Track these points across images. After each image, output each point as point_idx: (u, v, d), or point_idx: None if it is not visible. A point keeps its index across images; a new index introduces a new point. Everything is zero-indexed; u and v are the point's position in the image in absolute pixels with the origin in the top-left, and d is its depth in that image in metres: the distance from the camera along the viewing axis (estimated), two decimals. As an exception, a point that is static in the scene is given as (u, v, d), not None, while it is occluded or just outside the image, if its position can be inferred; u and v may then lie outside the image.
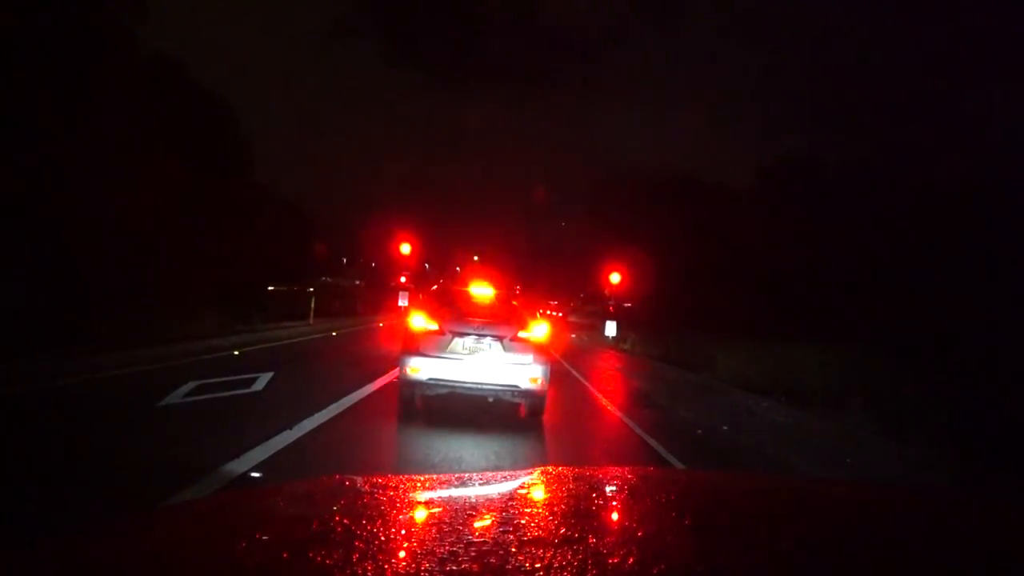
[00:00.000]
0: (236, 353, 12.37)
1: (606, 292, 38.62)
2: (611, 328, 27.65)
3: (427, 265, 48.14)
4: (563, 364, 17.52)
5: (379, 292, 43.81)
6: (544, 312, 21.16)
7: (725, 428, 8.52)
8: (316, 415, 6.83)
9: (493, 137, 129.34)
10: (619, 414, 9.28)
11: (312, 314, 20.67)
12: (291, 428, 6.03)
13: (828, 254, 19.93)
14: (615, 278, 28.69)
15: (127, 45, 16.76)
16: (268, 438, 5.57)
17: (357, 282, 47.60)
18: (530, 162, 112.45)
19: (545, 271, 53.22)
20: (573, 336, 33.85)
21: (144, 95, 17.91)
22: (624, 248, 30.97)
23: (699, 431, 8.23)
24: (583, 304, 57.57)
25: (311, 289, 23.55)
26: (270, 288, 20.91)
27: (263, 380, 8.99)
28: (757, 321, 20.82)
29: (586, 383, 13.32)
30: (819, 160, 22.89)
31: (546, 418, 7.75)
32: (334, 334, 19.21)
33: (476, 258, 51.80)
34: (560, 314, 51.09)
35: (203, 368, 9.92)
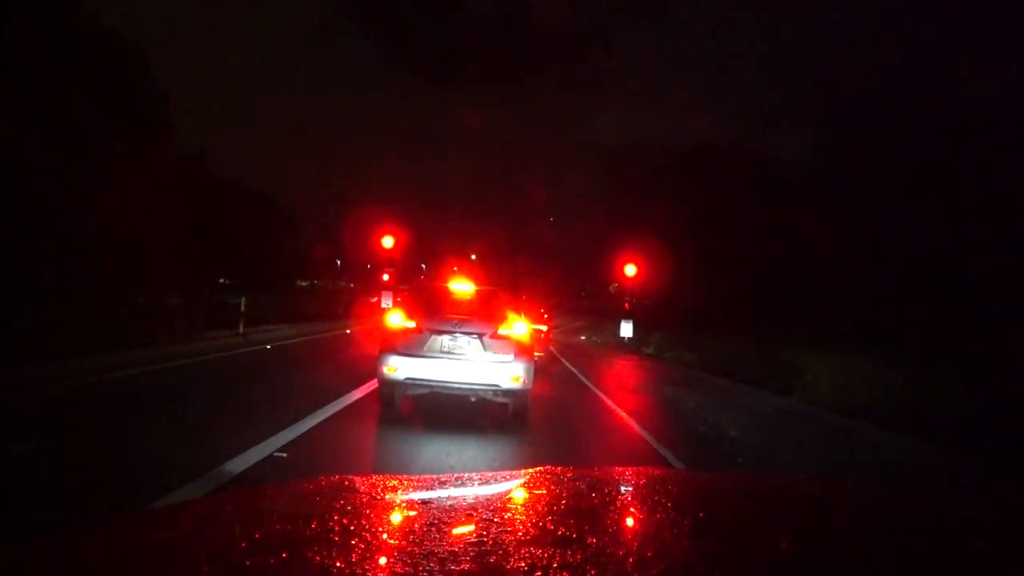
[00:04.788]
0: (49, 389, 7.33)
1: (611, 288, 34.28)
2: (627, 328, 22.92)
3: (423, 265, 44.83)
4: (577, 376, 12.78)
5: (370, 294, 40.20)
6: (543, 312, 16.78)
7: None
8: None
9: (488, 135, 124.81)
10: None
11: (243, 322, 15.44)
12: None
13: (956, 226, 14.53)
14: (630, 270, 23.73)
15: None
16: None
17: (351, 284, 45.28)
18: (527, 159, 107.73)
19: (544, 269, 48.83)
20: (583, 338, 29.37)
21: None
22: (639, 236, 25.99)
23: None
24: (585, 301, 53.39)
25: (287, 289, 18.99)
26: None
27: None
28: (856, 318, 15.69)
29: (622, 413, 8.43)
30: (921, 93, 17.22)
31: None
32: (268, 348, 14.00)
33: (473, 257, 47.86)
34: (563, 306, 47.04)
35: None
